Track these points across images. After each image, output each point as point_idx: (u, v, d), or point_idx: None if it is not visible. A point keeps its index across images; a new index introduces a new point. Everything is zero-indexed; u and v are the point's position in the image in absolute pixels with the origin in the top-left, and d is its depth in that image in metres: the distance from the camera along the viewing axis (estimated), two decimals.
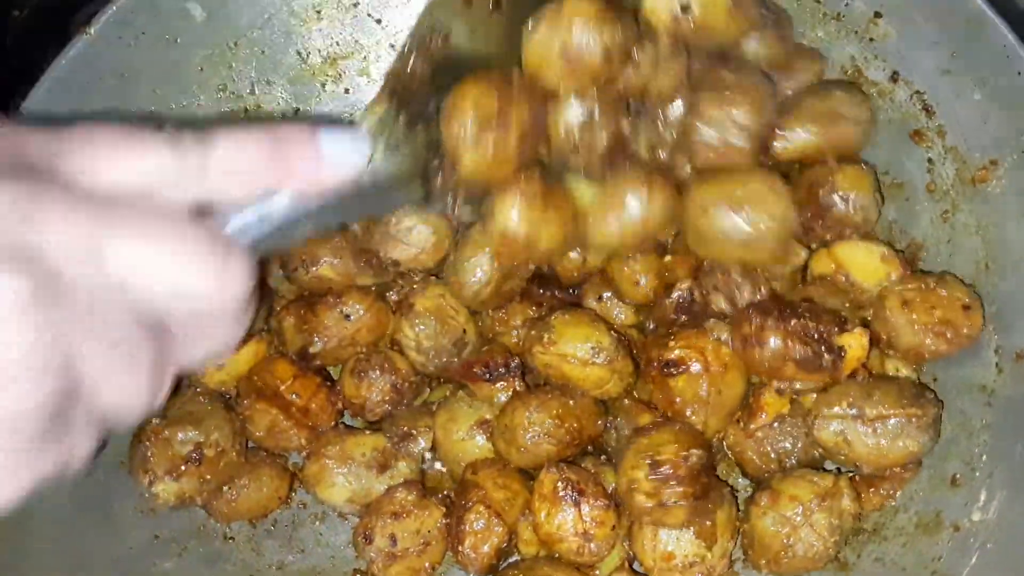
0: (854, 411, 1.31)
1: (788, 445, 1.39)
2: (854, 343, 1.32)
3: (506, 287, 1.43)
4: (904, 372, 1.38)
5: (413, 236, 1.43)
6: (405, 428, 1.45)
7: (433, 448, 1.45)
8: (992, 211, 1.39)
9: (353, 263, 1.45)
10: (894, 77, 1.45)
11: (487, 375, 1.41)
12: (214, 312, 0.72)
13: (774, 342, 1.31)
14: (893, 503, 1.41)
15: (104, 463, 1.38)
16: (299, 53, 1.56)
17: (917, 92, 1.43)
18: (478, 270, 1.39)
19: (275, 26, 1.54)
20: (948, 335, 1.33)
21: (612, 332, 1.38)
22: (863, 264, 1.39)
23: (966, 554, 1.34)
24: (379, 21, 1.59)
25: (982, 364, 1.39)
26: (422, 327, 1.42)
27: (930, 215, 1.45)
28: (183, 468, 1.35)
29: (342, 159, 0.84)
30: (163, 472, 1.35)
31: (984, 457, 1.37)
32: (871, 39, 1.45)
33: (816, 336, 1.31)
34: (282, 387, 1.44)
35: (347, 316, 1.44)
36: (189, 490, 1.36)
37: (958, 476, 1.38)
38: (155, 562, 1.40)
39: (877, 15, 1.42)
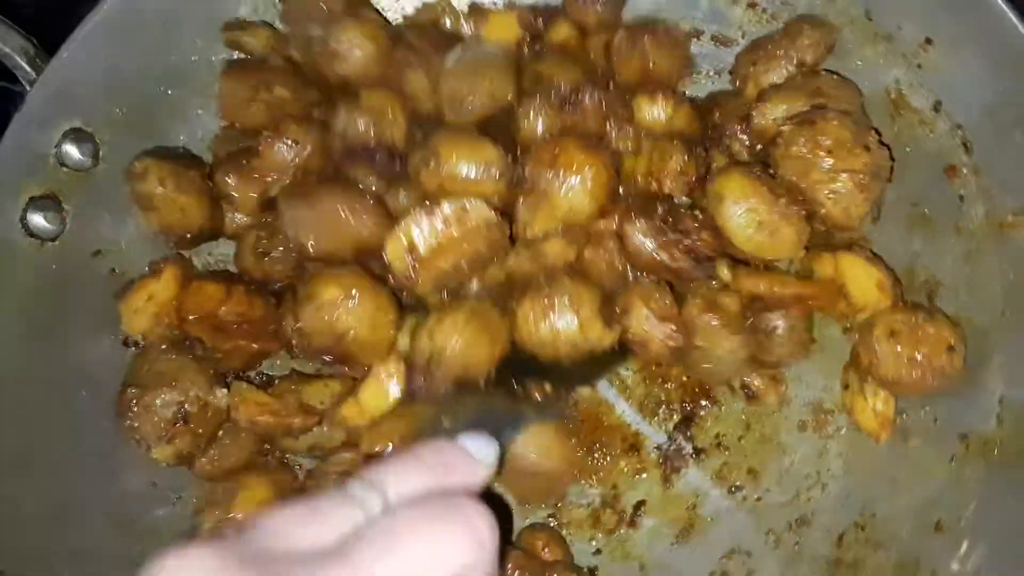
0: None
1: None
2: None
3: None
4: (880, 406, 1.39)
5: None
6: None
7: None
8: (1016, 259, 1.36)
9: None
10: (936, 107, 1.41)
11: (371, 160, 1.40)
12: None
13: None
14: None
15: (105, 411, 1.42)
16: None
17: (958, 126, 1.39)
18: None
19: None
20: (929, 374, 1.33)
21: (497, 144, 1.34)
22: (860, 282, 1.39)
23: None
24: None
25: (983, 413, 1.37)
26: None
27: (953, 253, 1.42)
28: (173, 430, 1.38)
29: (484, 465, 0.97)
30: (155, 439, 1.37)
31: (972, 506, 1.35)
32: (919, 65, 1.41)
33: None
34: (221, 310, 1.43)
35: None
36: (185, 447, 1.39)
37: (943, 522, 1.37)
38: (149, 509, 1.45)
39: (928, 41, 1.38)
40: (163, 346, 1.43)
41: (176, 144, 1.50)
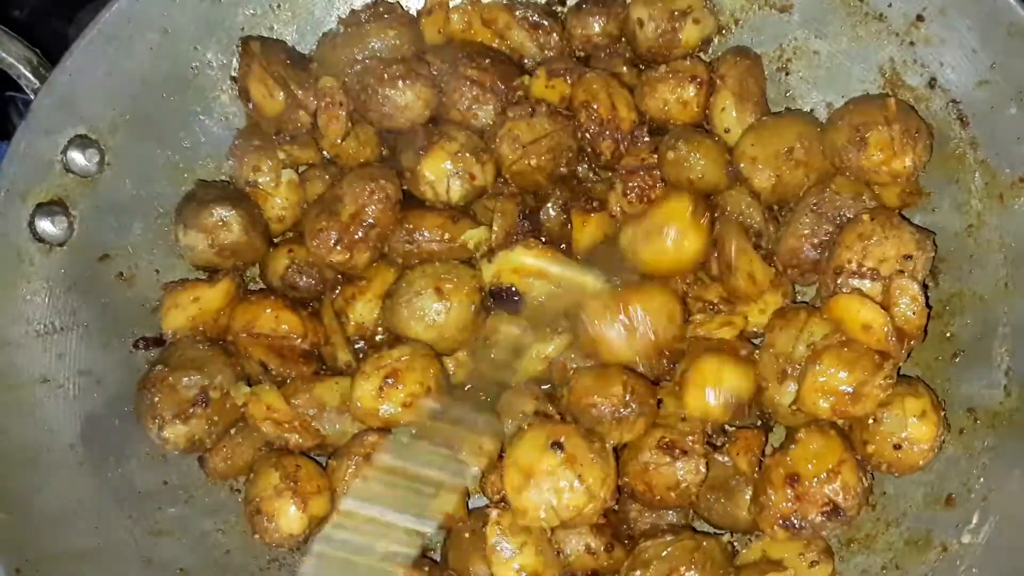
0: None
1: None
2: None
3: None
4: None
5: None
6: None
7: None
8: (1018, 229, 1.36)
9: None
10: (931, 84, 1.42)
11: None
12: None
13: None
14: None
15: (119, 411, 1.43)
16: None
17: (953, 101, 1.40)
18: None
19: None
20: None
21: None
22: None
23: None
24: None
25: (991, 384, 1.37)
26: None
27: (955, 228, 1.42)
28: (191, 411, 1.39)
29: None
30: (171, 416, 1.38)
31: (982, 479, 1.35)
32: (911, 43, 1.42)
33: None
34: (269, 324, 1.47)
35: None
36: (198, 432, 1.40)
37: (953, 496, 1.37)
38: (161, 506, 1.45)
39: (919, 18, 1.39)
40: (198, 337, 1.46)
41: (179, 147, 1.52)
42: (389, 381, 1.38)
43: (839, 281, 1.33)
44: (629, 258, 1.40)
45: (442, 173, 1.46)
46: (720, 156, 1.45)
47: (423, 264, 1.47)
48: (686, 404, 1.37)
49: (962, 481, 1.37)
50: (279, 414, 1.42)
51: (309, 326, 1.48)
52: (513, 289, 1.42)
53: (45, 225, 1.40)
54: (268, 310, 1.47)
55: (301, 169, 1.56)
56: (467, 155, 1.46)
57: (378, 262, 1.51)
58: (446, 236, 1.47)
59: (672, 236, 1.37)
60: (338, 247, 1.44)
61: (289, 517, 1.38)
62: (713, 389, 1.36)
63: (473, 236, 1.47)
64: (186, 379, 1.40)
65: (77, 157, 1.42)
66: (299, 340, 1.47)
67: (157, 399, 1.39)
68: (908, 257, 1.30)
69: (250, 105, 1.51)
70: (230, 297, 1.48)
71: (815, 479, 1.28)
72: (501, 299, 1.43)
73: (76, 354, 1.43)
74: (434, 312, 1.43)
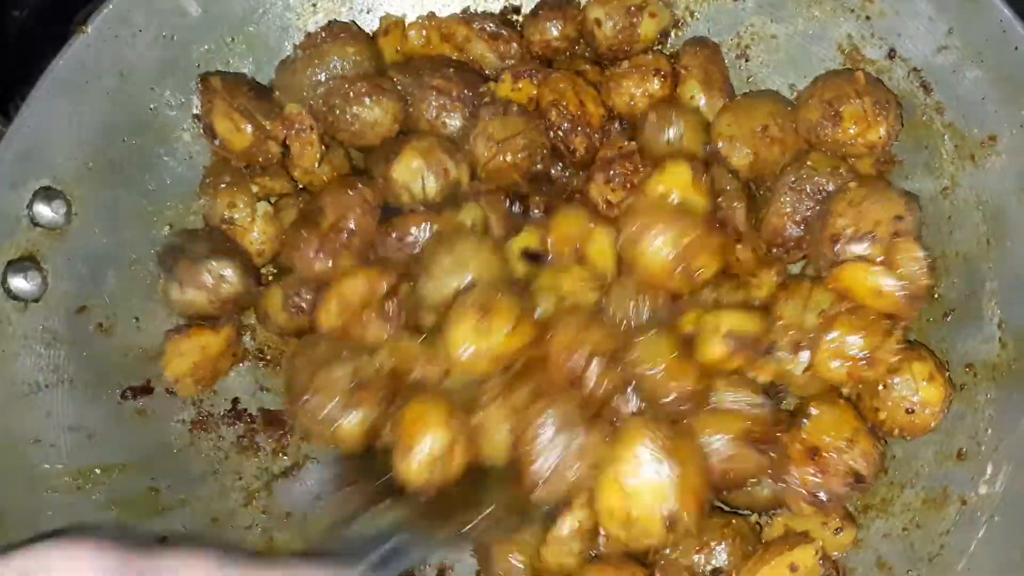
0: None
1: None
2: None
3: None
4: None
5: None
6: None
7: None
8: (992, 186, 1.40)
9: None
10: (891, 55, 1.45)
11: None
12: None
13: None
14: None
15: None
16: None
17: (915, 70, 1.44)
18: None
19: (271, 20, 1.54)
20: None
21: None
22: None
23: (974, 527, 1.36)
24: (369, 11, 1.60)
25: (985, 339, 1.40)
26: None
27: (930, 192, 1.45)
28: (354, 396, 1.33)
29: None
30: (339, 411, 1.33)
31: (989, 431, 1.38)
32: (867, 17, 1.45)
33: None
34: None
35: None
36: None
37: (964, 450, 1.39)
38: None
39: None
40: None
41: (145, 191, 1.49)
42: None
43: (837, 248, 1.34)
44: None
45: (415, 172, 1.44)
46: (699, 126, 1.47)
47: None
48: (702, 358, 1.35)
49: (970, 435, 1.39)
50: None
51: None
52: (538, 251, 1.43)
53: (18, 282, 1.36)
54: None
55: (273, 200, 1.54)
56: (438, 151, 1.46)
57: None
58: (435, 228, 1.45)
59: (678, 203, 1.35)
60: (320, 255, 1.42)
61: None
62: (716, 335, 1.33)
63: (468, 214, 1.45)
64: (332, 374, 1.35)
65: (43, 210, 1.38)
66: None
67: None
68: (900, 218, 1.32)
69: (216, 141, 1.49)
70: (231, 341, 1.48)
71: (835, 450, 1.30)
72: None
73: (64, 411, 1.39)
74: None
